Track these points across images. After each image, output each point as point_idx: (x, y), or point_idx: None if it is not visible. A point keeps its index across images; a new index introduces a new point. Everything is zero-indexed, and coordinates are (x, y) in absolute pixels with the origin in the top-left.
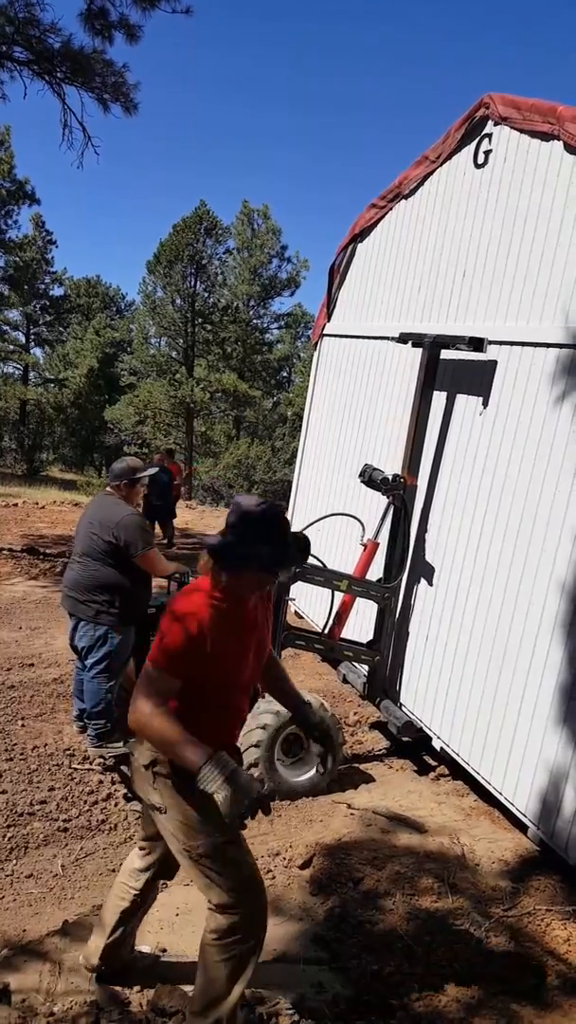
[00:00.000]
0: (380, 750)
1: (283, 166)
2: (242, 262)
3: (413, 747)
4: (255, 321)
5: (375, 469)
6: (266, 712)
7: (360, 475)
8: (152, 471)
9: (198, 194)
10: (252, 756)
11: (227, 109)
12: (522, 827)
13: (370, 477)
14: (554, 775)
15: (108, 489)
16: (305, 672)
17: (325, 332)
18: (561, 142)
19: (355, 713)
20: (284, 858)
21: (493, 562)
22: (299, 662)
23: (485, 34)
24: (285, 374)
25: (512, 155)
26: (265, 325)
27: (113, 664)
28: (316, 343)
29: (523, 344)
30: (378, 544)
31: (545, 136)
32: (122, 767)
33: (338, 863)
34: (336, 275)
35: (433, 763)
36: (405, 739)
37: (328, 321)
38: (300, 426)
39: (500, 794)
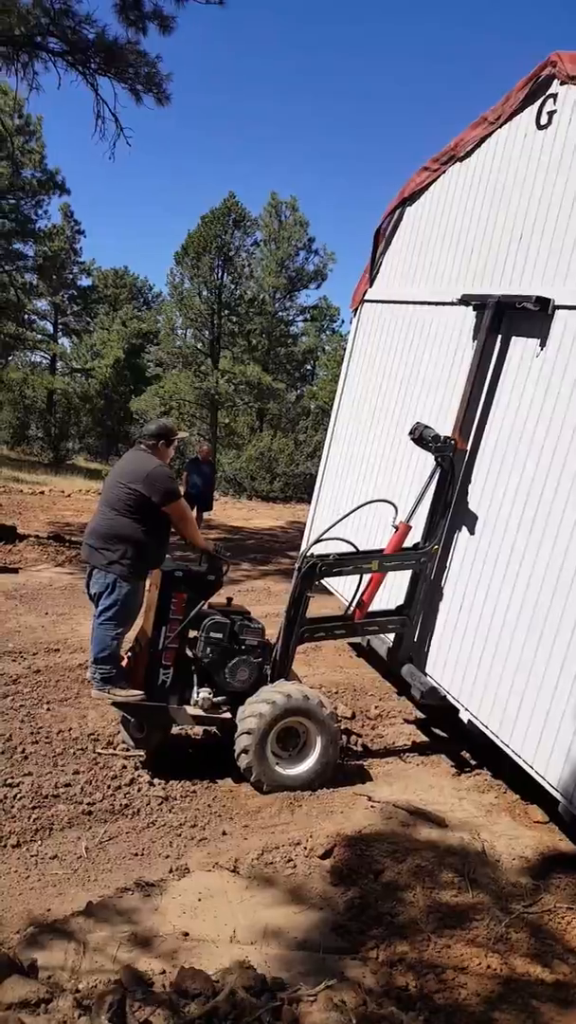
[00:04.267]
0: (401, 744)
1: (313, 158)
2: (269, 254)
3: (435, 742)
4: (281, 313)
5: (426, 427)
6: (264, 701)
7: (411, 432)
8: (184, 435)
9: (227, 185)
10: (243, 743)
11: (257, 100)
12: (552, 802)
13: (420, 435)
14: None
15: (141, 446)
16: (326, 664)
17: (366, 298)
18: None
19: (376, 707)
20: (305, 848)
21: (538, 531)
22: (320, 654)
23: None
24: (309, 367)
25: None
26: (291, 318)
27: (120, 613)
28: (356, 309)
29: None
30: (410, 527)
31: None
32: (124, 714)
33: (359, 854)
34: (381, 239)
35: (453, 761)
36: (425, 703)
37: (370, 287)
38: (323, 420)
39: (531, 768)
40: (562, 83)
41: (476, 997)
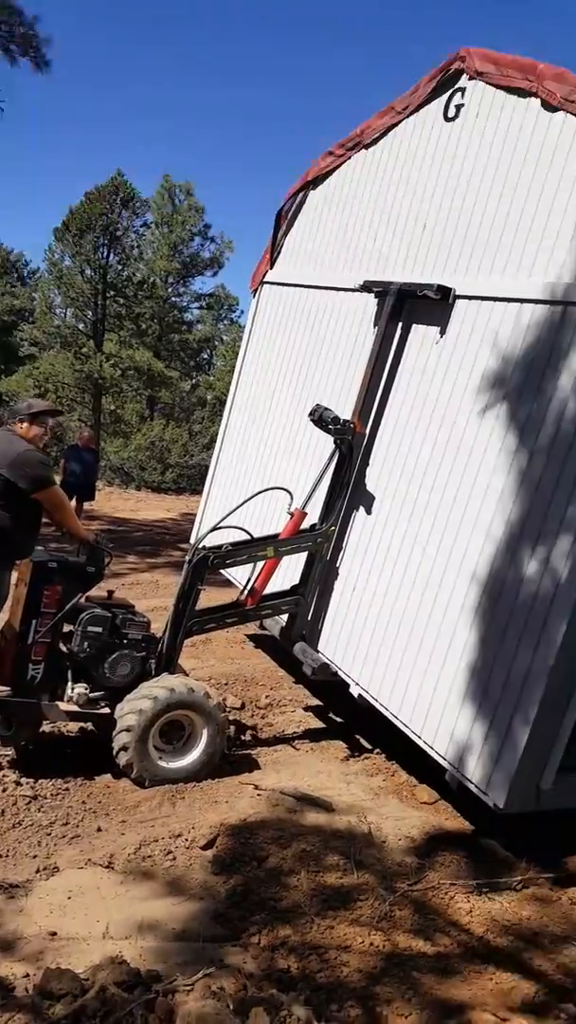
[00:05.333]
0: (291, 732)
1: (213, 144)
2: (161, 237)
3: (326, 729)
4: (174, 299)
5: (326, 409)
6: (145, 697)
7: (310, 413)
8: (53, 409)
9: (117, 163)
10: (123, 740)
11: (155, 81)
12: (440, 771)
13: (320, 416)
14: (472, 718)
15: (7, 427)
16: (216, 657)
17: (266, 280)
18: (539, 99)
19: (267, 696)
20: (186, 839)
21: (431, 512)
22: (210, 647)
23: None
24: (206, 356)
25: (486, 110)
26: (185, 304)
27: None
28: (255, 291)
29: (483, 299)
30: (306, 514)
31: (522, 92)
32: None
33: (243, 843)
34: (283, 221)
35: (346, 745)
36: (316, 679)
37: (271, 268)
38: (220, 411)
39: (419, 738)
40: (471, 78)
41: (358, 973)
